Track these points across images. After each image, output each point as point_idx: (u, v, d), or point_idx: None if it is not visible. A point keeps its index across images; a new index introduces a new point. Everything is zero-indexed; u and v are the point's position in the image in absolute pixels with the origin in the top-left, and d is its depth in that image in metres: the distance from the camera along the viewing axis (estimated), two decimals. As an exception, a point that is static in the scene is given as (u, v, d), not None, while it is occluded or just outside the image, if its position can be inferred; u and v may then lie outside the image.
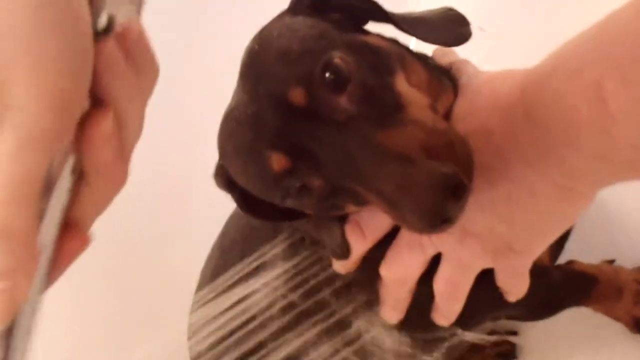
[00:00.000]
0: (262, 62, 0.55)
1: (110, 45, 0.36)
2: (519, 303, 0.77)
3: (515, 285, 0.66)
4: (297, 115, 0.52)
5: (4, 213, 0.32)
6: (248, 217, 0.81)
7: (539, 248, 0.61)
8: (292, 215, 0.64)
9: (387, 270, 0.65)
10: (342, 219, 0.65)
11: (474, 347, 1.01)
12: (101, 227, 0.41)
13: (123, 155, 0.38)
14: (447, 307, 0.66)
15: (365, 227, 0.64)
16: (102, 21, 0.36)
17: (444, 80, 0.64)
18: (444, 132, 0.51)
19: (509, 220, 0.57)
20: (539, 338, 1.01)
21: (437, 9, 0.65)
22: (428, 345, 0.86)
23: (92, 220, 0.38)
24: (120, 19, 0.37)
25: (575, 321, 0.95)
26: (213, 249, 0.91)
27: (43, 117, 0.32)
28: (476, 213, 0.57)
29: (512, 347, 1.03)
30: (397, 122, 0.51)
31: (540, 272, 0.77)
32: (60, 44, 0.33)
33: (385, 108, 0.52)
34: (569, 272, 0.85)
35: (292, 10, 0.61)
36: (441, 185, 0.47)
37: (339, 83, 0.52)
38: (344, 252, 0.65)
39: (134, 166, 0.40)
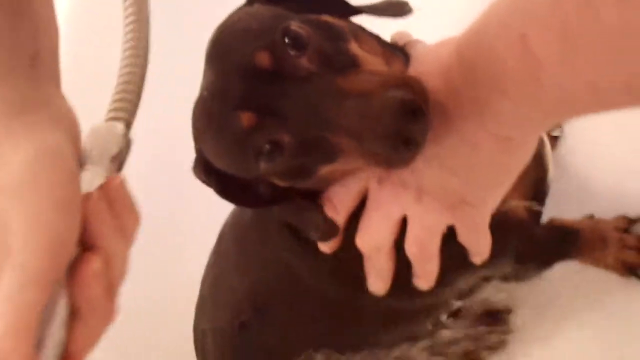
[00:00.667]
0: (226, 44, 0.58)
1: (95, 196, 0.42)
2: (507, 261, 0.78)
3: (476, 241, 0.67)
4: (262, 78, 0.55)
5: (3, 344, 0.35)
6: (237, 215, 0.83)
7: (491, 200, 0.63)
8: (269, 200, 0.65)
9: (361, 240, 0.66)
10: (318, 205, 0.67)
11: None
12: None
13: (111, 292, 0.42)
14: (421, 269, 0.67)
15: (337, 201, 0.66)
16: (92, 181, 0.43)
17: (397, 54, 0.65)
18: (399, 73, 0.55)
19: (458, 174, 0.60)
20: (537, 310, 1.01)
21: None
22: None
23: (86, 353, 0.41)
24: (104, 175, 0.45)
25: (568, 289, 0.95)
26: (210, 256, 0.90)
27: (40, 259, 0.37)
28: (427, 170, 0.60)
29: (506, 324, 1.02)
30: (355, 72, 0.54)
31: (523, 228, 0.78)
32: (54, 194, 0.38)
33: (342, 65, 0.55)
34: (552, 227, 0.86)
35: (249, 3, 0.65)
36: (398, 108, 0.49)
37: (299, 46, 0.55)
38: (331, 230, 0.66)
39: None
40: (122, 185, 0.45)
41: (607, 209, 0.92)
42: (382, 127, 0.49)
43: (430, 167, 0.59)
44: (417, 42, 0.69)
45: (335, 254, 0.69)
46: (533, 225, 0.81)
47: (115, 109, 0.52)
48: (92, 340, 0.42)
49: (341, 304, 0.77)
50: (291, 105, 0.54)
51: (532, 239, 0.81)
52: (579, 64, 0.43)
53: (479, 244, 0.67)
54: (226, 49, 0.58)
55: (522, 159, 0.61)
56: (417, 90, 0.52)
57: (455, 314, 0.94)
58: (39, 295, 0.37)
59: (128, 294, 0.46)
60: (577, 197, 0.95)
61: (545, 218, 0.86)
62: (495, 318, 1.02)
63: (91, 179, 0.44)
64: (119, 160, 0.49)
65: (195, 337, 0.93)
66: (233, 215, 0.85)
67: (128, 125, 0.52)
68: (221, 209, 0.82)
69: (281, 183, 0.62)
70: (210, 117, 0.58)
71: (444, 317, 0.91)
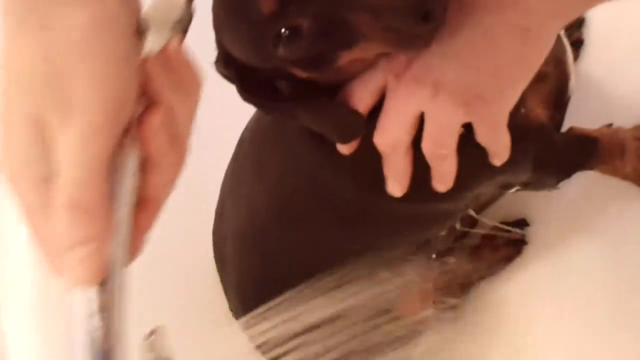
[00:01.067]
0: None
1: (152, 59, 0.45)
2: (526, 168, 0.78)
3: (494, 140, 0.66)
4: None
5: (75, 189, 0.40)
6: (257, 119, 0.83)
7: (508, 96, 0.62)
8: (289, 97, 0.65)
9: (378, 137, 0.66)
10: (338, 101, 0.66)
11: (485, 238, 1.01)
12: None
13: (178, 141, 0.46)
14: (438, 168, 0.67)
15: (356, 98, 0.65)
16: (153, 44, 0.46)
17: None
18: None
19: (474, 68, 0.59)
20: (551, 224, 1.02)
21: None
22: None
23: (165, 195, 0.47)
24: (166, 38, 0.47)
25: (585, 202, 0.96)
26: (230, 161, 0.90)
27: (99, 113, 0.40)
28: (444, 65, 0.59)
29: (523, 234, 1.03)
30: None
31: (543, 134, 0.78)
32: (112, 55, 0.42)
33: None
34: (571, 135, 0.85)
35: None
36: None
37: None
38: (356, 127, 0.66)
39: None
40: (179, 48, 0.48)
41: (626, 118, 0.91)
42: (400, 1, 0.49)
43: (447, 61, 0.59)
44: None
45: (355, 155, 0.69)
46: (553, 132, 0.81)
47: None
48: (166, 186, 0.46)
49: (361, 207, 0.77)
50: None
51: (552, 145, 0.80)
52: None
53: (497, 143, 0.66)
54: None
55: (541, 53, 0.59)
56: None
57: (472, 224, 0.96)
58: (103, 145, 0.41)
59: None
60: (596, 106, 0.94)
61: (565, 127, 0.86)
62: (512, 228, 1.03)
63: (152, 44, 0.47)
64: (180, 27, 0.50)
65: (215, 242, 0.95)
66: (253, 119, 0.85)
67: None
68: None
69: (301, 73, 0.62)
70: (230, 3, 0.58)
71: (459, 225, 0.92)
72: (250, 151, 0.86)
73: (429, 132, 0.64)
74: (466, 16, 0.56)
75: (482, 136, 0.64)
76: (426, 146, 0.64)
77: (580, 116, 0.89)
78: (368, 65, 0.63)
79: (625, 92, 0.94)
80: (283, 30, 0.56)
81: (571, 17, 0.56)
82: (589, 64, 0.95)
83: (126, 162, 0.43)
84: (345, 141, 0.69)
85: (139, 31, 0.47)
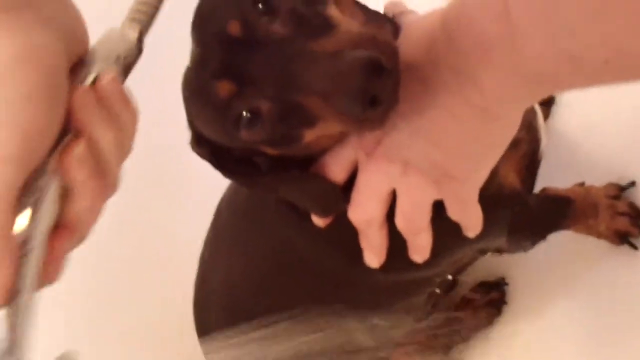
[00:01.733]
0: (204, 13, 0.59)
1: (82, 89, 0.46)
2: (501, 233, 0.79)
3: (466, 215, 0.67)
4: (237, 46, 0.56)
5: None
6: (234, 189, 0.84)
7: (477, 174, 0.63)
8: (267, 172, 0.66)
9: (352, 214, 0.66)
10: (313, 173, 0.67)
11: (465, 300, 1.02)
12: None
13: (100, 173, 0.46)
14: (413, 242, 0.68)
15: (328, 172, 0.66)
16: (88, 77, 0.47)
17: (385, 23, 0.65)
18: (368, 33, 0.55)
19: (442, 146, 0.59)
20: (528, 282, 1.03)
21: None
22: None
23: (87, 223, 0.47)
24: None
25: (561, 260, 0.97)
26: (208, 231, 0.90)
27: (13, 143, 0.41)
28: (413, 144, 0.60)
29: (502, 294, 1.04)
30: (328, 34, 0.54)
31: (516, 199, 0.79)
32: (32, 86, 0.42)
33: (317, 27, 0.55)
34: (545, 197, 0.86)
35: None
36: (363, 66, 0.49)
37: (271, 11, 0.56)
38: (336, 199, 0.66)
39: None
40: (114, 80, 0.49)
41: (597, 176, 0.92)
42: (348, 87, 0.49)
43: (415, 140, 0.60)
44: (409, 12, 0.69)
45: (331, 226, 0.69)
46: (526, 196, 0.82)
47: (131, 18, 0.54)
48: (88, 214, 0.47)
49: (340, 276, 0.77)
50: (266, 71, 0.55)
51: (526, 209, 0.81)
52: (559, 34, 0.43)
53: (469, 218, 0.67)
54: (204, 19, 0.59)
55: (508, 133, 0.61)
56: (384, 49, 0.52)
57: (451, 287, 0.96)
58: (14, 174, 0.41)
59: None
60: (568, 165, 0.95)
61: (537, 187, 0.86)
62: (491, 288, 1.03)
63: (90, 75, 0.48)
64: (124, 63, 0.52)
65: (195, 313, 0.94)
66: (230, 189, 0.85)
67: (141, 33, 0.54)
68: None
69: (271, 151, 0.63)
70: (194, 88, 0.59)
71: (438, 290, 0.91)
72: (228, 223, 0.86)
73: (402, 209, 0.64)
74: (431, 96, 0.57)
75: (453, 212, 0.65)
76: (400, 222, 0.65)
77: (552, 175, 0.90)
78: (339, 139, 0.64)
79: (595, 150, 0.95)
80: (244, 113, 0.57)
81: (532, 102, 0.57)
82: (559, 123, 0.97)
83: (46, 189, 0.44)
84: (325, 215, 0.69)
85: (82, 63, 0.48)
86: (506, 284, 1.04)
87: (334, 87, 0.50)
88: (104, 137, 0.46)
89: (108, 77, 0.48)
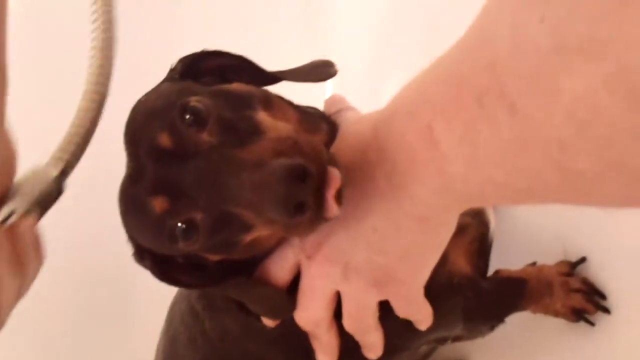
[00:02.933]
0: (135, 126, 0.59)
1: None
2: (457, 321, 0.78)
3: (415, 312, 0.67)
4: (168, 159, 0.56)
5: None
6: (184, 294, 0.83)
7: (419, 275, 0.64)
8: (217, 277, 0.65)
9: (299, 318, 0.67)
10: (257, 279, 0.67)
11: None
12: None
13: None
14: (363, 341, 0.68)
15: (272, 276, 0.66)
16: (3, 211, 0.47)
17: (320, 123, 0.66)
18: (291, 139, 0.55)
19: (382, 251, 0.60)
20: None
21: (312, 61, 0.71)
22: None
23: None
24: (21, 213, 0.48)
25: (521, 340, 0.96)
26: (160, 338, 0.89)
27: None
28: (353, 247, 0.61)
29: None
30: (256, 141, 0.55)
31: (470, 285, 0.78)
32: None
33: (245, 134, 0.56)
34: (498, 280, 0.86)
35: (166, 80, 0.65)
36: (285, 174, 0.49)
37: (198, 121, 0.56)
38: (283, 303, 0.66)
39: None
40: (31, 227, 0.49)
41: (548, 255, 0.92)
42: (272, 196, 0.50)
43: (356, 244, 0.60)
44: (348, 110, 0.70)
45: (282, 326, 0.69)
46: (479, 281, 0.81)
47: (56, 157, 0.54)
48: None
49: None
50: (196, 183, 0.55)
51: (480, 295, 0.80)
52: (481, 162, 0.44)
53: (417, 314, 0.67)
54: (135, 132, 0.59)
55: (445, 236, 0.62)
56: (309, 154, 0.53)
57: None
58: None
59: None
60: (518, 245, 0.96)
61: (490, 270, 0.86)
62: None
63: (6, 214, 0.48)
64: (43, 203, 0.51)
65: None
66: (180, 294, 0.84)
67: (64, 172, 0.54)
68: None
69: (212, 257, 0.62)
70: (129, 202, 0.59)
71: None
72: (181, 330, 0.83)
73: (347, 310, 0.64)
74: (367, 201, 0.58)
75: (400, 311, 0.65)
76: (347, 324, 0.65)
77: (502, 257, 0.89)
78: (280, 239, 0.64)
79: (543, 228, 0.96)
80: (179, 224, 0.56)
81: (465, 209, 0.59)
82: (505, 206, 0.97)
83: None
84: (275, 318, 0.69)
85: (3, 196, 0.48)
86: (467, 365, 1.02)
87: (259, 197, 0.51)
88: (7, 286, 0.46)
89: (26, 223, 0.48)
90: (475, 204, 0.54)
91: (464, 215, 0.80)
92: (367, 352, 0.68)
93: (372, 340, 0.67)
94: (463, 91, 0.42)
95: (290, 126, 0.60)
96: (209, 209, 0.56)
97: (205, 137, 0.56)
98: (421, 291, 0.64)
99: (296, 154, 0.52)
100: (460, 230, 0.79)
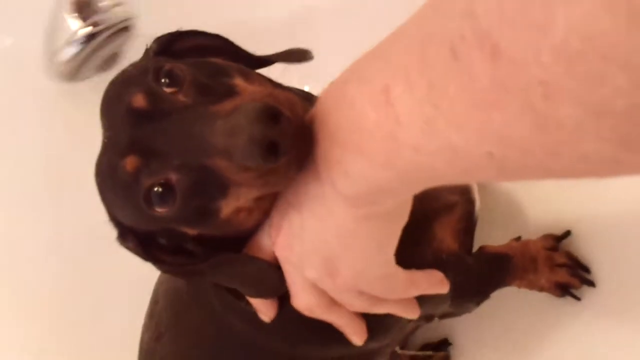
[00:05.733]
0: (110, 96, 0.59)
1: None
2: (444, 298, 0.76)
3: (390, 295, 0.64)
4: (142, 120, 0.55)
5: None
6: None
7: (364, 265, 0.59)
8: (196, 257, 0.63)
9: (297, 305, 0.64)
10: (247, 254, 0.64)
11: (410, 364, 0.99)
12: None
13: None
14: (346, 328, 0.67)
15: (262, 251, 0.63)
16: None
17: (301, 99, 0.63)
18: (268, 91, 0.55)
19: (324, 241, 0.57)
20: (472, 341, 1.01)
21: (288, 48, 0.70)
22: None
23: None
24: None
25: (504, 316, 0.95)
26: (145, 318, 0.85)
27: None
28: (300, 234, 0.58)
29: (446, 355, 1.01)
30: (230, 99, 0.54)
31: (456, 261, 0.77)
32: None
33: (220, 95, 0.55)
34: (483, 255, 0.85)
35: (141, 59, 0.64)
36: (256, 113, 0.48)
37: (173, 83, 0.56)
38: (278, 281, 0.63)
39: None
40: None
41: (533, 229, 0.91)
42: (244, 136, 0.48)
43: (302, 231, 0.58)
44: None
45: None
46: (466, 258, 0.80)
47: None
48: None
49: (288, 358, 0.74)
50: (170, 140, 0.54)
51: (467, 271, 0.79)
52: (440, 126, 0.40)
53: (392, 295, 0.64)
54: (110, 101, 0.58)
55: (391, 226, 0.57)
56: (283, 101, 0.52)
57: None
58: None
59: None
60: (502, 220, 0.94)
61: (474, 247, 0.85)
62: (434, 350, 1.01)
63: None
64: None
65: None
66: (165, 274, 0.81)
67: None
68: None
69: (191, 231, 0.60)
70: (104, 171, 0.58)
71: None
72: (167, 311, 0.81)
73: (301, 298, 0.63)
74: (308, 186, 0.55)
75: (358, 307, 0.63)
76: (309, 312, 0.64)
77: (487, 232, 0.88)
78: (262, 213, 0.61)
79: (528, 202, 0.95)
80: (155, 188, 0.55)
81: (408, 195, 0.55)
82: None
83: None
84: (264, 297, 0.66)
85: None
86: (450, 344, 1.01)
87: (232, 140, 0.49)
88: None
89: None
90: (419, 183, 0.49)
91: (452, 193, 0.80)
92: (350, 336, 0.66)
93: (341, 323, 0.65)
94: (430, 48, 0.39)
95: (264, 90, 0.58)
96: (184, 167, 0.54)
97: (180, 97, 0.55)
98: (393, 279, 0.62)
99: (270, 100, 0.51)
100: (448, 208, 0.79)
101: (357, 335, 0.67)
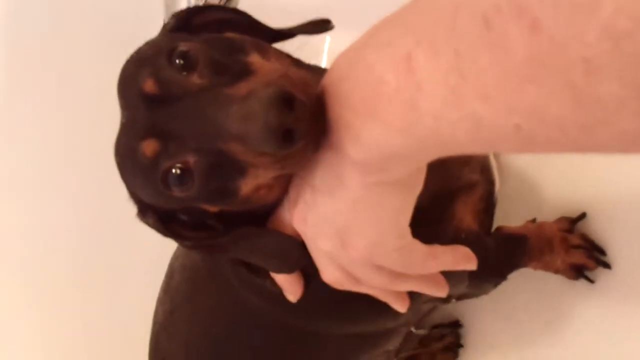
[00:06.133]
0: (125, 77, 0.59)
1: None
2: (462, 278, 0.76)
3: (409, 269, 0.62)
4: (159, 103, 0.55)
5: None
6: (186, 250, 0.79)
7: (384, 237, 0.58)
8: (214, 231, 0.63)
9: (326, 278, 0.63)
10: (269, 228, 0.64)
11: (421, 343, 0.99)
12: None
13: None
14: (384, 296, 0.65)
15: (284, 225, 0.63)
16: None
17: (318, 74, 0.62)
18: (283, 70, 0.55)
19: (337, 211, 0.56)
20: (483, 322, 1.01)
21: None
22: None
23: None
24: None
25: (514, 297, 0.95)
26: (160, 292, 0.86)
27: None
28: (313, 205, 0.58)
29: (457, 337, 1.01)
30: (246, 79, 0.54)
31: (475, 240, 0.76)
32: None
33: (236, 74, 0.54)
34: (500, 235, 0.84)
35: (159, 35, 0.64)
36: (271, 100, 0.48)
37: (188, 64, 0.55)
38: (299, 255, 0.63)
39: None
40: None
41: (548, 212, 0.91)
42: (259, 122, 0.48)
43: (314, 203, 0.57)
44: None
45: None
46: (485, 238, 0.80)
47: None
48: None
49: (307, 335, 0.75)
50: (186, 123, 0.54)
51: (486, 250, 0.78)
52: (466, 95, 0.39)
53: (412, 269, 0.62)
54: (126, 82, 0.58)
55: (403, 199, 0.56)
56: (297, 84, 0.51)
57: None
58: None
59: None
60: (519, 202, 0.94)
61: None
62: (446, 331, 1.01)
63: None
64: None
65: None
66: (180, 249, 0.81)
67: None
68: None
69: (211, 208, 0.60)
70: (123, 153, 0.58)
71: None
72: (183, 284, 0.81)
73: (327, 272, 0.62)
74: (319, 155, 0.54)
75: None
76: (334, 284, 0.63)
77: (502, 213, 0.88)
78: (283, 190, 0.61)
79: (543, 183, 0.95)
80: (173, 170, 0.55)
81: (422, 163, 0.53)
82: (509, 160, 0.95)
83: None
84: (285, 271, 0.66)
85: None
86: (461, 325, 1.01)
87: (246, 126, 0.49)
88: None
89: None
90: (435, 151, 0.48)
91: (473, 172, 0.79)
92: (393, 306, 0.66)
93: (376, 293, 0.64)
94: (459, 18, 0.38)
95: (283, 67, 0.58)
96: (201, 150, 0.54)
97: (195, 79, 0.55)
98: (403, 251, 0.59)
99: (285, 83, 0.51)
100: (469, 187, 0.78)
101: (398, 303, 0.66)
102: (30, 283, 1.10)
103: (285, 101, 0.48)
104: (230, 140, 0.51)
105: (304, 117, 0.48)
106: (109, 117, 0.60)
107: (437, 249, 0.62)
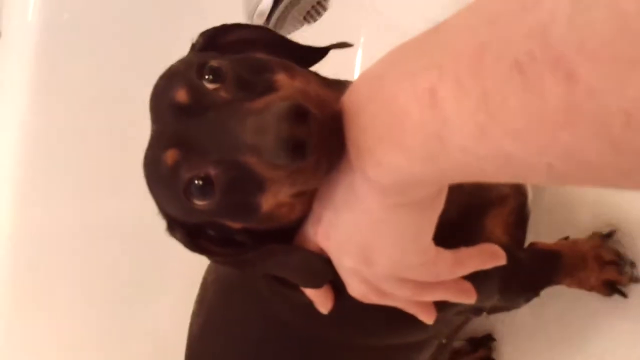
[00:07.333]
0: (157, 91, 0.60)
1: None
2: (493, 291, 0.77)
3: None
4: (185, 115, 0.56)
5: None
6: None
7: (393, 253, 0.58)
8: (241, 247, 0.63)
9: (352, 293, 0.63)
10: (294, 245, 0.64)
11: (454, 356, 0.99)
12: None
13: None
14: (410, 308, 0.65)
15: (309, 242, 0.63)
16: None
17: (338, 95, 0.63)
18: (303, 87, 0.56)
19: (358, 230, 0.57)
20: (515, 337, 1.01)
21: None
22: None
23: None
24: None
25: (549, 313, 0.95)
26: (195, 305, 0.87)
27: None
28: (334, 224, 0.58)
29: (489, 351, 1.02)
30: (268, 95, 0.54)
31: (509, 256, 0.77)
32: None
33: (260, 91, 0.55)
34: (534, 251, 0.85)
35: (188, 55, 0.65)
36: (284, 112, 0.48)
37: (216, 79, 0.56)
38: (324, 271, 0.63)
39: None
40: None
41: (579, 228, 0.92)
42: (271, 134, 0.48)
43: (337, 220, 0.58)
44: None
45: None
46: (516, 251, 0.80)
47: None
48: None
49: (338, 347, 0.75)
50: (208, 135, 0.54)
51: (517, 265, 0.78)
52: (495, 133, 0.38)
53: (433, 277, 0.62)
54: (157, 96, 0.59)
55: (423, 219, 0.56)
56: (313, 100, 0.52)
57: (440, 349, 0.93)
58: None
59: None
60: (551, 215, 0.95)
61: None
62: (478, 345, 1.01)
63: None
64: None
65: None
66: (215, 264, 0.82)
67: None
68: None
69: (234, 225, 0.60)
70: (149, 164, 0.59)
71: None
72: (217, 299, 0.83)
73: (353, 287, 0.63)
74: (338, 176, 0.55)
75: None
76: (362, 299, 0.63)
77: (533, 229, 0.88)
78: (307, 208, 0.61)
79: (574, 201, 0.95)
80: (196, 181, 0.55)
81: (443, 186, 0.54)
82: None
83: None
84: (312, 286, 0.66)
85: None
86: (493, 339, 1.02)
87: (260, 138, 0.50)
88: None
89: None
90: (459, 179, 0.48)
91: (503, 185, 0.79)
92: (419, 317, 0.65)
93: (402, 305, 0.64)
94: (487, 57, 0.37)
95: (303, 84, 0.58)
96: (222, 162, 0.54)
97: (221, 93, 0.56)
98: (427, 266, 0.59)
99: (300, 98, 0.51)
100: (500, 200, 0.79)
101: (425, 314, 0.65)
102: (70, 298, 1.13)
103: (299, 115, 0.48)
104: (246, 152, 0.52)
105: (317, 131, 0.49)
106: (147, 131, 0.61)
107: (463, 254, 0.62)
